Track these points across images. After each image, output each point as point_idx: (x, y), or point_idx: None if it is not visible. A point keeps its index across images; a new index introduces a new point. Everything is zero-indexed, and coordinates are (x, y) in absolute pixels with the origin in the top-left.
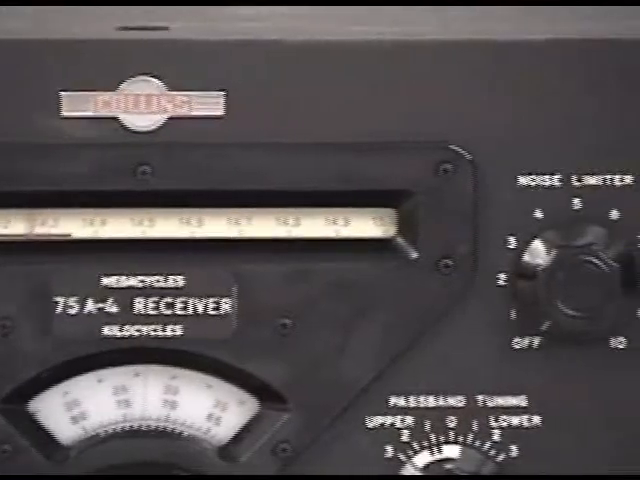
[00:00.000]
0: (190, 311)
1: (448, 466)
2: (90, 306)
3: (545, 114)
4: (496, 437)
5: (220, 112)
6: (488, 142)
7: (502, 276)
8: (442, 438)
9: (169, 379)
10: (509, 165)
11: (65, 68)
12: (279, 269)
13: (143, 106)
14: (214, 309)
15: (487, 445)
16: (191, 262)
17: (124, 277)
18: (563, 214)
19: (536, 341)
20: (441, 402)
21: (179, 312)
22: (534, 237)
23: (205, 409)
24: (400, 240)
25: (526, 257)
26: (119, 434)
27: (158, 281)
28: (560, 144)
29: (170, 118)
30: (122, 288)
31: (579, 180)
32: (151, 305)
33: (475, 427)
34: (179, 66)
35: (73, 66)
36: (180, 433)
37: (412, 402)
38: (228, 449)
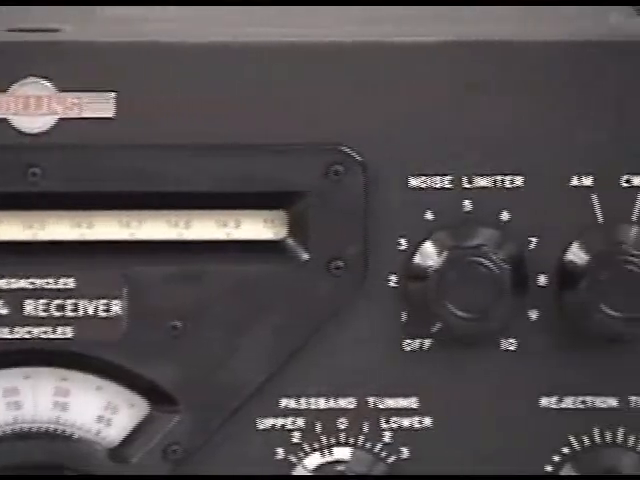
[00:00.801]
0: (80, 313)
1: (339, 468)
2: None
3: (436, 116)
4: (387, 439)
5: (110, 113)
6: (379, 144)
7: (393, 277)
8: (333, 440)
9: (59, 381)
10: (400, 167)
11: None
12: (170, 271)
13: (33, 108)
14: (104, 311)
15: (378, 447)
16: (82, 264)
17: (14, 279)
18: (454, 215)
19: (427, 343)
20: (332, 404)
21: (69, 314)
22: (425, 238)
23: (96, 411)
24: (291, 242)
25: (417, 258)
26: (9, 436)
27: (48, 283)
28: (451, 146)
29: (60, 119)
30: (12, 290)
31: (470, 182)
32: (41, 307)
33: (366, 429)
34: (69, 67)
35: None
36: (71, 435)
37: (303, 404)
38: (119, 451)
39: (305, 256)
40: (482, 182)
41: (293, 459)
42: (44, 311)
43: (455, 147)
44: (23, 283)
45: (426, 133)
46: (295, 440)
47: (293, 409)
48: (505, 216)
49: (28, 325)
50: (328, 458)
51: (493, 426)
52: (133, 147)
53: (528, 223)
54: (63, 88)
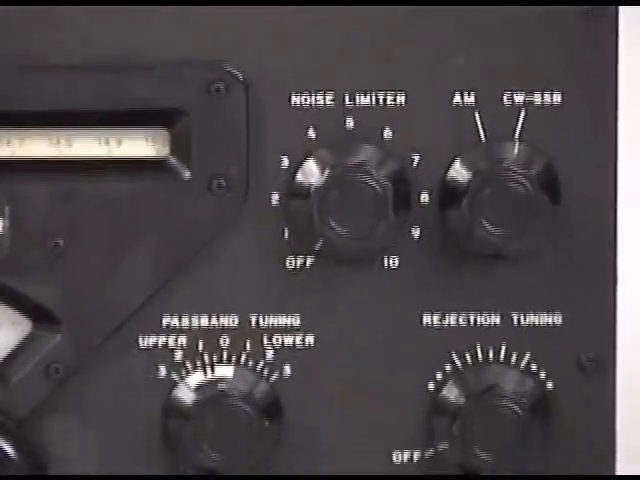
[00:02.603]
0: None
1: (221, 386)
2: None
3: (318, 34)
4: (269, 357)
5: None
6: (261, 62)
7: (275, 196)
8: (215, 358)
9: None
10: (282, 84)
11: None
12: (52, 189)
13: None
14: None
15: (260, 365)
16: None
17: None
18: (336, 133)
19: (309, 260)
20: (214, 322)
21: None
22: (307, 157)
23: None
24: (173, 160)
25: (299, 177)
26: None
27: None
28: (333, 64)
29: None
30: None
31: (352, 99)
32: None
33: (248, 347)
34: None
35: None
36: None
37: (185, 322)
38: (0, 370)
39: (187, 175)
40: (364, 100)
41: (176, 377)
42: None
43: (337, 65)
44: None
45: (308, 52)
46: (177, 358)
47: (175, 327)
48: (387, 134)
49: None
50: (210, 376)
51: (375, 344)
52: (12, 66)
53: (410, 141)
54: None
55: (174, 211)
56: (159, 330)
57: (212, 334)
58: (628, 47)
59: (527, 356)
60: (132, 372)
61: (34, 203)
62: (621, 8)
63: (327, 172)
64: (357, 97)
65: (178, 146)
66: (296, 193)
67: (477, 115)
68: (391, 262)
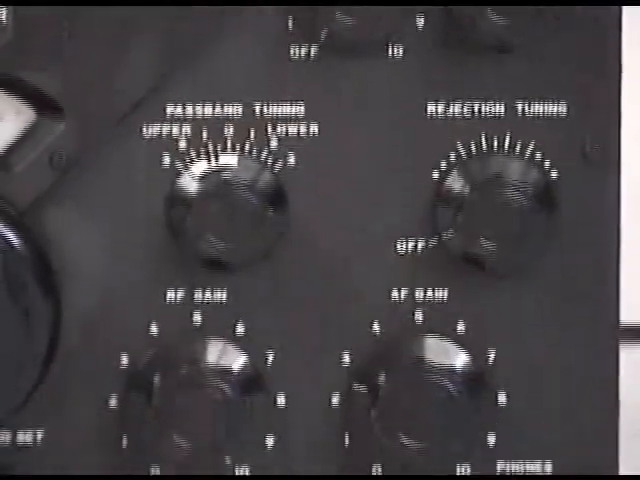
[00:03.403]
0: None
1: (225, 175)
2: None
3: None
4: (273, 146)
5: None
6: None
7: None
8: (219, 147)
9: None
10: None
11: None
12: None
13: None
14: None
15: (264, 154)
16: None
17: None
18: None
19: (313, 50)
20: (218, 111)
21: None
22: None
23: None
24: None
25: None
26: None
27: None
28: None
29: None
30: None
31: None
32: None
33: (252, 136)
34: None
35: None
36: None
37: (189, 111)
38: (3, 159)
39: None
40: None
41: (180, 166)
42: None
43: None
44: None
45: None
46: (182, 147)
47: (179, 116)
48: None
49: None
50: (214, 165)
51: (379, 134)
52: None
53: None
54: None
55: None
56: (163, 119)
57: (216, 123)
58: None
59: (531, 145)
60: (136, 162)
61: None
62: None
63: None
64: None
65: None
66: None
67: None
68: (395, 51)
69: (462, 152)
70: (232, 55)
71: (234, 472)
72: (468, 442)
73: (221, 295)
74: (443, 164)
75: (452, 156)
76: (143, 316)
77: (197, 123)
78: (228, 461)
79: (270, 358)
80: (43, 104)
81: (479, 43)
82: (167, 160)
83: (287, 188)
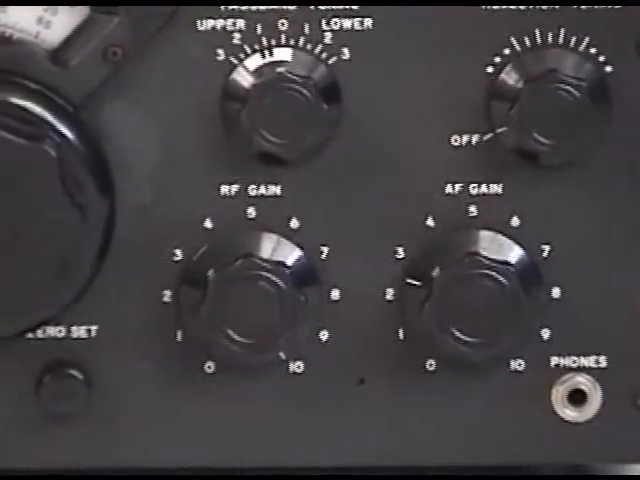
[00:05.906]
0: None
1: (279, 69)
2: None
3: None
4: (328, 40)
5: None
6: None
7: None
8: (274, 41)
9: None
10: None
11: None
12: None
13: None
14: None
15: (319, 48)
16: None
17: None
18: None
19: None
20: (272, 5)
21: None
22: None
23: (35, 12)
24: None
25: None
26: None
27: None
28: None
29: None
30: None
31: None
32: None
33: (307, 30)
34: None
35: None
36: (10, 36)
37: (244, 5)
38: (58, 52)
39: None
40: None
41: (234, 60)
42: None
43: None
44: None
45: None
46: (236, 41)
47: (234, 11)
48: None
49: None
50: (268, 59)
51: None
52: None
53: None
54: None
55: None
56: (218, 13)
57: (271, 17)
58: None
59: (586, 40)
60: (190, 56)
61: None
62: None
63: None
64: None
65: None
66: None
67: None
68: None
69: (516, 46)
70: None
71: (288, 368)
72: (522, 337)
73: (275, 190)
74: (497, 59)
75: (506, 50)
76: (197, 210)
77: (251, 17)
78: (282, 356)
79: (324, 252)
80: None
81: None
82: (221, 54)
83: (341, 82)
